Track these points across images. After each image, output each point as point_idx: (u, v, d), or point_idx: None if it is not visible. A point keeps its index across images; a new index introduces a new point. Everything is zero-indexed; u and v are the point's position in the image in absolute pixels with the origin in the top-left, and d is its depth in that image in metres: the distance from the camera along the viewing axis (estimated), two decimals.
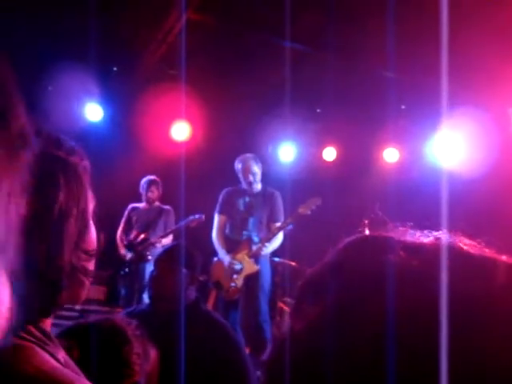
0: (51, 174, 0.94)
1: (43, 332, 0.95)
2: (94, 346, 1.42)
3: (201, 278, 3.35)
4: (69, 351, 1.04)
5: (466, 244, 0.61)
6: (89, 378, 0.97)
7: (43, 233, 0.92)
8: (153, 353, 1.65)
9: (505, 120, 5.92)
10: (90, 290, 1.11)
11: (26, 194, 0.52)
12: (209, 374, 2.70)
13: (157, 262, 3.26)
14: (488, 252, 0.60)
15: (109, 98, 7.28)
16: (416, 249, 0.60)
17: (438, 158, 6.97)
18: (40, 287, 0.91)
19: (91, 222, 1.03)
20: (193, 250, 3.37)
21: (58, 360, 0.94)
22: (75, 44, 5.52)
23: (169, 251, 3.31)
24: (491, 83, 5.54)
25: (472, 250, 0.59)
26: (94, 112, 7.28)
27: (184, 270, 3.10)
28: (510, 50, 4.82)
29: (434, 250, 0.59)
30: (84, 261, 1.00)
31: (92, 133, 6.75)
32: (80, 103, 7.11)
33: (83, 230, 0.99)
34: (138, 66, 6.98)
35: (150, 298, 3.21)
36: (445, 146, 6.88)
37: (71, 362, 1.00)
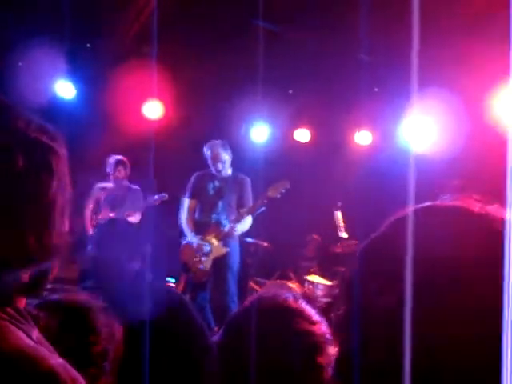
0: (45, 163, 0.97)
1: (18, 311, 0.97)
2: (61, 319, 1.44)
3: (143, 251, 3.33)
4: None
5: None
6: (59, 351, 0.99)
7: (36, 217, 0.95)
8: (118, 326, 1.68)
9: (476, 103, 5.99)
10: (63, 269, 1.14)
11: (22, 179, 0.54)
12: (161, 344, 2.71)
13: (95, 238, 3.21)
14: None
15: (82, 75, 7.19)
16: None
17: (409, 140, 7.05)
18: (27, 270, 0.94)
19: (68, 208, 1.05)
20: (131, 223, 3.34)
21: (31, 338, 0.96)
22: (48, 20, 5.44)
23: (108, 226, 3.27)
24: (463, 67, 5.60)
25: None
26: (65, 89, 7.19)
27: (123, 244, 3.08)
28: (483, 34, 4.86)
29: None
30: (66, 242, 1.03)
31: (63, 110, 6.67)
32: (52, 80, 7.01)
33: (65, 216, 1.01)
34: (112, 43, 6.89)
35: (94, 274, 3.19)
36: (416, 129, 6.95)
37: (44, 340, 1.02)
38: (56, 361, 0.92)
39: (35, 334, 0.99)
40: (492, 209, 0.69)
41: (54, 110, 6.43)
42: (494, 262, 0.60)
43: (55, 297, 1.64)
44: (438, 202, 0.73)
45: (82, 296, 1.64)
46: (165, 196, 6.41)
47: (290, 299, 1.55)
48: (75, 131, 5.99)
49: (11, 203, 0.92)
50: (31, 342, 0.94)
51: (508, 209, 0.65)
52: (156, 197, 6.42)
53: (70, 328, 1.46)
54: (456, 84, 5.94)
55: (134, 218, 6.46)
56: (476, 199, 0.71)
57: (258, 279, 6.79)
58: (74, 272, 6.61)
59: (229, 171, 6.09)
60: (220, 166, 5.97)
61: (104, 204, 6.70)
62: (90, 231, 6.55)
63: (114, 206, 6.64)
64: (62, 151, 1.03)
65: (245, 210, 5.96)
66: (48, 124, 1.03)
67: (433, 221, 0.69)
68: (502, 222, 0.65)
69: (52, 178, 0.97)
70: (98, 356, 1.45)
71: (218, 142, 6.05)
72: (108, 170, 6.79)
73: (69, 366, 0.94)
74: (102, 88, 7.00)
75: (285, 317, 1.50)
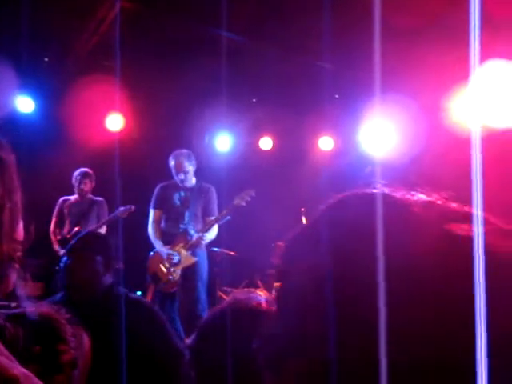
0: None
1: None
2: (26, 331, 1.43)
3: (116, 266, 3.30)
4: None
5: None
6: (25, 361, 0.99)
7: None
8: (85, 337, 1.67)
9: (432, 108, 6.11)
10: (27, 286, 1.13)
11: None
12: (136, 352, 2.69)
13: (70, 250, 3.14)
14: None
15: (40, 89, 7.11)
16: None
17: (370, 145, 7.15)
18: None
19: (20, 215, 1.06)
20: (106, 236, 3.31)
21: None
22: (4, 34, 5.37)
23: (82, 239, 3.20)
24: (420, 71, 5.70)
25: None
26: (25, 103, 7.10)
27: (98, 258, 3.05)
28: (440, 40, 4.97)
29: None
30: (17, 251, 1.03)
31: (23, 124, 6.58)
32: (10, 94, 6.91)
33: (15, 221, 1.02)
34: (71, 57, 6.83)
35: (64, 287, 3.11)
36: (376, 134, 7.06)
37: (5, 351, 1.01)
38: (19, 370, 0.92)
39: None
40: (416, 195, 0.66)
41: (13, 124, 6.35)
42: (416, 250, 0.57)
43: (21, 309, 1.63)
44: (353, 191, 0.69)
45: (49, 308, 1.64)
46: (131, 207, 6.33)
47: (264, 302, 1.56)
48: (36, 145, 5.94)
49: None
50: None
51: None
52: (122, 208, 6.34)
53: (38, 337, 1.45)
54: (413, 89, 6.05)
55: (101, 231, 6.40)
56: (397, 187, 0.68)
57: (226, 288, 6.78)
58: (37, 289, 6.52)
59: (193, 181, 6.08)
60: (182, 176, 5.96)
61: (68, 218, 6.61)
62: (55, 246, 6.46)
63: (79, 220, 6.57)
64: (9, 158, 1.04)
65: (212, 218, 5.96)
66: None
67: (349, 210, 0.65)
68: (426, 206, 0.63)
69: None
70: (66, 364, 1.44)
71: (183, 151, 6.04)
72: (73, 182, 6.71)
73: (31, 375, 0.93)
74: (61, 101, 6.92)
75: (258, 319, 1.51)
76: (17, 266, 1.06)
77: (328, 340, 0.56)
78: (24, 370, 0.93)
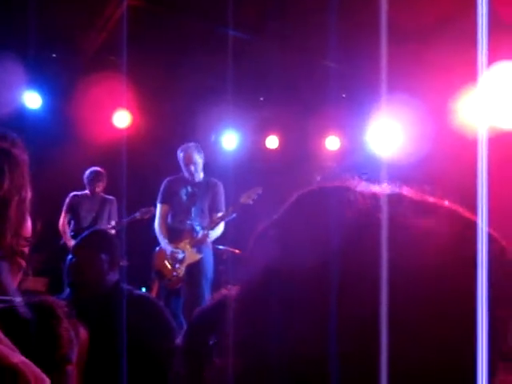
0: None
1: None
2: (22, 322, 1.44)
3: (121, 263, 3.32)
4: None
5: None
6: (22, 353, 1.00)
7: None
8: (83, 332, 1.67)
9: (439, 109, 6.09)
10: (29, 281, 1.15)
11: None
12: (140, 349, 2.70)
13: (75, 248, 3.19)
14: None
15: (48, 85, 7.12)
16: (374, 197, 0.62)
17: (376, 145, 7.13)
18: None
19: (28, 211, 1.07)
20: (111, 234, 3.33)
21: None
22: (13, 29, 5.38)
23: (87, 237, 3.24)
24: (428, 74, 5.69)
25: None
26: (32, 99, 7.12)
27: (103, 256, 3.07)
28: (447, 39, 4.95)
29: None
30: (22, 246, 1.04)
31: (31, 120, 6.60)
32: (18, 91, 6.93)
33: (22, 217, 1.03)
34: (78, 53, 6.85)
35: (70, 285, 3.14)
36: (383, 134, 7.04)
37: (6, 340, 1.02)
38: (19, 358, 0.93)
39: None
40: (379, 187, 0.65)
41: (21, 120, 6.36)
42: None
43: (16, 301, 1.63)
44: (316, 186, 0.68)
45: (47, 300, 1.64)
46: (151, 209, 6.26)
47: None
48: (42, 141, 5.95)
49: None
50: None
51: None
52: (143, 210, 6.33)
53: (32, 332, 1.46)
54: (421, 89, 6.03)
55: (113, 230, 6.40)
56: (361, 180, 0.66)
57: (231, 286, 6.78)
58: (41, 284, 6.53)
59: (201, 175, 6.07)
60: (192, 167, 5.93)
61: (80, 213, 6.62)
62: (68, 241, 6.45)
63: (92, 217, 6.58)
64: (22, 156, 1.06)
65: (218, 216, 5.95)
66: (10, 131, 1.07)
67: (316, 206, 0.64)
68: (393, 198, 0.62)
69: (3, 178, 1.00)
70: (60, 360, 1.44)
71: (191, 144, 6.04)
72: (85, 181, 6.70)
73: (31, 364, 0.94)
74: (69, 97, 6.94)
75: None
76: (22, 261, 1.07)
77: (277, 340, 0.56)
78: (23, 358, 0.94)
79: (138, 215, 6.35)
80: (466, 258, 0.55)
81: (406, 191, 0.64)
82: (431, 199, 0.63)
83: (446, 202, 0.62)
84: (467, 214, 0.61)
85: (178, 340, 1.67)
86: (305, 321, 0.55)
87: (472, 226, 0.59)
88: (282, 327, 0.56)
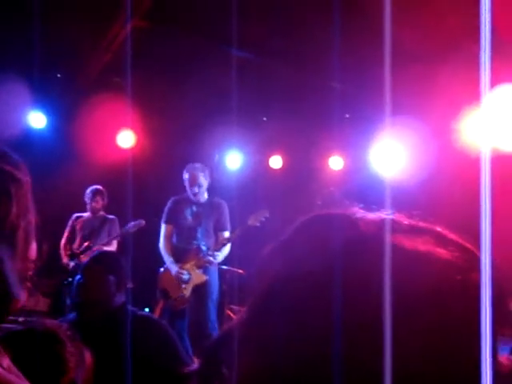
0: (4, 188, 1.00)
1: None
2: (28, 349, 1.43)
3: (128, 285, 3.33)
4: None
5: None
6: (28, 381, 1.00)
7: None
8: (87, 354, 1.66)
9: (442, 130, 6.11)
10: (34, 301, 1.16)
11: None
12: (146, 371, 2.70)
13: (84, 269, 3.20)
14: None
15: (53, 105, 7.17)
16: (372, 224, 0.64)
17: (380, 165, 7.14)
18: None
19: (34, 234, 1.07)
20: (119, 256, 3.35)
21: (1, 366, 0.97)
22: (17, 49, 5.43)
23: (95, 258, 3.26)
24: (431, 95, 5.71)
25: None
26: (37, 119, 7.16)
27: (111, 277, 3.08)
28: (451, 62, 4.98)
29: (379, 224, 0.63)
30: (30, 270, 1.04)
31: (36, 140, 6.63)
32: (23, 111, 6.97)
33: (29, 241, 1.03)
34: (83, 74, 6.90)
35: (77, 306, 3.16)
36: (386, 155, 7.05)
37: (14, 368, 1.02)
38: None
39: (5, 362, 1.00)
40: (376, 215, 0.66)
41: (26, 140, 6.39)
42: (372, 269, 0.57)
43: (20, 326, 1.63)
44: (316, 213, 0.70)
45: (50, 325, 1.64)
46: (142, 222, 6.24)
47: None
48: (47, 160, 5.97)
49: None
50: (1, 370, 0.95)
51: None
52: (132, 224, 6.27)
53: (38, 359, 1.45)
54: (424, 110, 6.05)
55: (111, 247, 6.40)
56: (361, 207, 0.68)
57: (234, 307, 6.75)
58: (44, 305, 6.52)
59: (205, 196, 6.06)
60: (196, 189, 5.92)
61: (80, 234, 6.63)
62: (65, 260, 6.46)
63: (90, 236, 6.58)
64: (25, 179, 1.06)
65: (224, 237, 5.93)
66: (12, 153, 1.08)
67: (315, 233, 0.66)
68: (380, 223, 0.63)
69: (11, 203, 1.00)
70: None
71: (197, 165, 6.02)
72: (85, 199, 6.73)
73: None
74: (73, 117, 6.98)
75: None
76: (28, 284, 1.08)
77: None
78: None
79: (127, 229, 6.31)
80: (464, 284, 0.57)
81: (400, 217, 0.65)
82: (422, 224, 0.65)
83: (438, 228, 0.64)
84: (455, 237, 0.63)
85: (195, 366, 1.66)
86: (309, 327, 0.57)
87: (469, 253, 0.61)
88: (288, 336, 0.58)
